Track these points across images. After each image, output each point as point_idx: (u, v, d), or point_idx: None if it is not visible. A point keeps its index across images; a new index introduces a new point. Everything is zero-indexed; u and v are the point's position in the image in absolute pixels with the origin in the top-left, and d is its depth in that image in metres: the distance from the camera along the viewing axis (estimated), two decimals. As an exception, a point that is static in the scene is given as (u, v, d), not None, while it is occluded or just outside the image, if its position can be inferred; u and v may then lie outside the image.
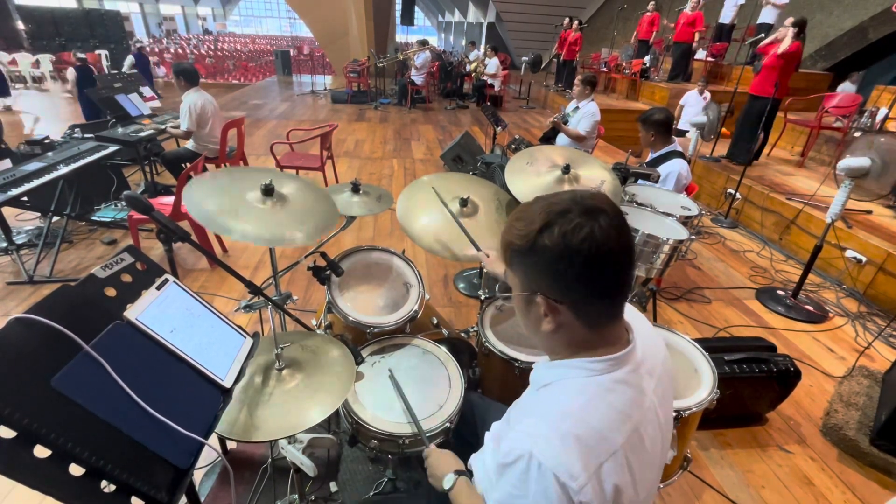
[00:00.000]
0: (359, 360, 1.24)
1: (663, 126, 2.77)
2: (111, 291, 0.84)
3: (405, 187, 1.74)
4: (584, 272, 0.65)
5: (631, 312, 0.82)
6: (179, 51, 17.36)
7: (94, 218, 3.66)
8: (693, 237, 1.95)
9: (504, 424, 0.86)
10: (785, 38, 4.42)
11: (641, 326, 0.81)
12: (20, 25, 13.98)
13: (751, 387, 2.02)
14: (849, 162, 2.54)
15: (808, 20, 4.61)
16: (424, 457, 1.06)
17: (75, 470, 0.63)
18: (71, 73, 7.21)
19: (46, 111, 8.34)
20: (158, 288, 0.91)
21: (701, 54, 8.74)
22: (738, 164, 4.93)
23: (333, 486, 1.58)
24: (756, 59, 7.89)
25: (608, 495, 0.63)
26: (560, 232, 0.64)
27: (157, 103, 5.31)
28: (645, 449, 0.69)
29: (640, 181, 2.39)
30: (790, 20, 4.53)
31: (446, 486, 0.92)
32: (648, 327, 0.85)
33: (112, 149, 3.54)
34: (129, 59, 9.64)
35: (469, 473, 0.93)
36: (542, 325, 0.71)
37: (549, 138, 4.46)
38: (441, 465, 0.98)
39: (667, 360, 0.82)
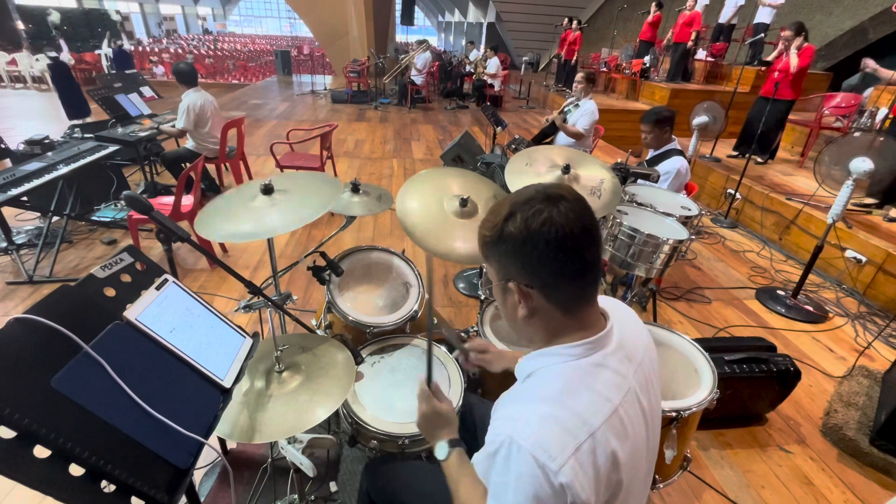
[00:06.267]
0: (358, 360, 1.24)
1: (674, 122, 2.80)
2: (111, 291, 0.84)
3: (404, 183, 1.74)
4: (546, 254, 0.68)
5: (611, 302, 0.84)
6: (179, 51, 17.35)
7: (93, 218, 3.66)
8: (693, 237, 1.95)
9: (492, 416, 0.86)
10: (791, 55, 4.55)
11: (621, 314, 0.82)
12: (20, 25, 13.99)
13: (751, 387, 2.02)
14: (858, 164, 2.52)
15: (806, 20, 4.66)
16: (420, 395, 0.96)
17: (75, 470, 0.63)
18: (41, 66, 7.14)
19: (44, 111, 8.34)
20: (158, 288, 0.91)
21: (701, 54, 8.74)
22: (759, 164, 5.15)
23: (333, 486, 1.59)
24: (757, 60, 7.91)
25: (589, 476, 0.63)
26: (522, 218, 0.68)
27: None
28: (626, 433, 0.69)
29: (640, 181, 2.39)
30: (788, 32, 4.58)
31: (439, 455, 0.89)
32: (630, 316, 0.86)
33: (112, 149, 3.54)
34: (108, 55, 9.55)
35: (461, 444, 0.91)
36: (518, 311, 0.74)
37: (546, 135, 4.43)
38: (440, 420, 0.93)
39: (650, 350, 0.83)
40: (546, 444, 0.62)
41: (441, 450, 0.89)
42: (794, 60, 4.54)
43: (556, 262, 0.69)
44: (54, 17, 7.21)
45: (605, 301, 0.81)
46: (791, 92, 4.78)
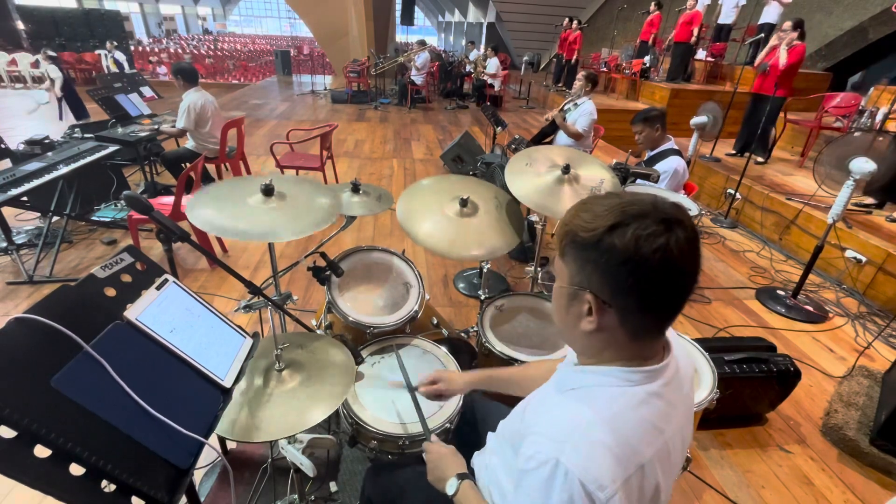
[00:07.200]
0: (359, 361, 1.24)
1: (664, 119, 2.81)
2: (111, 291, 0.84)
3: (404, 189, 1.74)
4: (645, 283, 0.61)
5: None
6: (179, 51, 17.35)
7: (94, 218, 3.66)
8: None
9: (517, 423, 0.84)
10: (781, 52, 4.55)
11: (675, 340, 0.79)
12: (20, 25, 13.99)
13: (751, 387, 2.02)
14: (860, 164, 2.52)
15: (806, 20, 4.65)
16: (425, 451, 1.02)
17: (75, 470, 0.63)
18: (55, 72, 7.18)
19: (44, 111, 8.34)
20: (158, 288, 0.91)
21: (701, 54, 8.74)
22: (758, 164, 5.13)
23: (333, 486, 1.58)
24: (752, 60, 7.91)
25: None
26: (633, 235, 0.60)
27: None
28: (670, 462, 0.69)
29: (639, 181, 2.38)
30: (788, 24, 4.58)
31: (449, 491, 0.90)
32: (679, 342, 0.83)
33: (112, 149, 3.54)
34: (120, 58, 9.66)
35: (471, 474, 0.92)
36: (582, 323, 0.68)
37: (545, 135, 4.43)
38: (443, 465, 0.95)
39: (692, 376, 0.81)
40: (596, 472, 0.60)
41: (451, 486, 0.89)
42: (783, 57, 4.52)
43: (651, 294, 0.62)
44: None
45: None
46: (780, 89, 4.69)
